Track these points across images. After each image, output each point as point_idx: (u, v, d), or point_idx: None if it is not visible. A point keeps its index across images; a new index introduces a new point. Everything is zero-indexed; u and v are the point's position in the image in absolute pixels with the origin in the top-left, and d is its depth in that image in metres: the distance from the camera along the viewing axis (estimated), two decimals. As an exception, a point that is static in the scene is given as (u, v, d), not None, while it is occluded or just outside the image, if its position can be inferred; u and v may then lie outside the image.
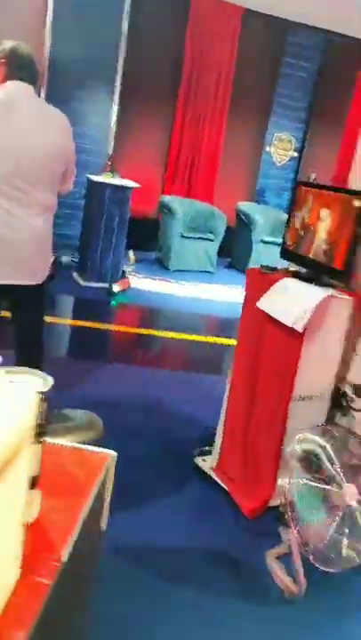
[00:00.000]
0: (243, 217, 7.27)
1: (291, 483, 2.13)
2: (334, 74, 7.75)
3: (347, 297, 2.40)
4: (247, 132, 8.10)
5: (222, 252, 7.30)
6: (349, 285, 2.45)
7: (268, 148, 8.26)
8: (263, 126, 8.15)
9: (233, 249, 7.45)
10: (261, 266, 2.61)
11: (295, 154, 8.34)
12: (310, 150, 8.29)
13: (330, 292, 2.35)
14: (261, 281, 2.53)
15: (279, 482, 2.15)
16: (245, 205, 7.47)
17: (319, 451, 2.20)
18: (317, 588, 2.13)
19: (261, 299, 2.45)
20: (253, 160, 8.25)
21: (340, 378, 2.69)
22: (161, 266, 7.08)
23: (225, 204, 7.51)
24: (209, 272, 7.15)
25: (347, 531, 2.10)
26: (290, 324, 2.28)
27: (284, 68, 7.91)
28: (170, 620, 1.96)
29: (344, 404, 2.67)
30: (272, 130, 8.17)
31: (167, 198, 7.16)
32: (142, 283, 6.28)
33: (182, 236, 6.90)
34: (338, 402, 2.68)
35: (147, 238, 7.19)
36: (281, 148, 8.25)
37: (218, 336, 5.11)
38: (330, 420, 2.71)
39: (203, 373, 4.19)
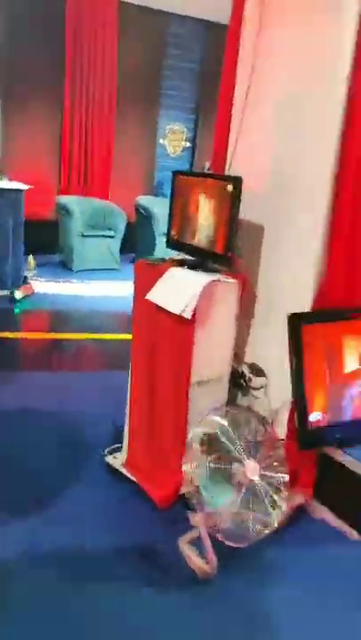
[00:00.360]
0: (142, 211, 7.28)
1: (194, 467, 2.17)
2: (217, 63, 7.89)
3: (232, 280, 2.46)
4: (139, 126, 8.11)
5: (126, 247, 7.29)
6: (233, 269, 2.52)
7: (161, 141, 8.32)
8: (154, 119, 8.19)
9: (136, 244, 7.46)
10: (148, 258, 2.63)
11: (188, 144, 8.45)
12: (203, 139, 8.42)
13: (214, 277, 2.40)
14: (149, 273, 2.55)
15: (183, 468, 2.18)
16: (144, 199, 7.48)
17: (219, 432, 2.26)
18: (230, 564, 2.19)
19: (150, 290, 2.47)
20: (148, 153, 8.28)
21: (238, 359, 2.77)
22: (64, 267, 6.97)
23: (125, 199, 7.49)
24: (114, 269, 7.12)
25: (252, 505, 2.17)
26: (178, 313, 2.31)
27: (167, 60, 7.98)
28: (87, 617, 1.95)
29: (243, 384, 2.75)
30: (163, 122, 8.24)
31: (63, 199, 7.05)
32: (46, 287, 6.15)
33: (82, 236, 6.82)
34: (237, 382, 2.75)
35: (47, 241, 7.05)
36: (174, 139, 8.33)
37: (128, 332, 5.09)
38: (232, 401, 2.78)
39: (115, 371, 4.16)
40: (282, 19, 2.49)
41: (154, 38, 7.75)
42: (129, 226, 7.27)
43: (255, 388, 2.72)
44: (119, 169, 7.88)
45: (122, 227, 7.16)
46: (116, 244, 7.15)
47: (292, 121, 2.47)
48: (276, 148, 2.56)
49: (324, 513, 2.53)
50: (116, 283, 6.61)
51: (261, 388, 2.70)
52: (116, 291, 6.34)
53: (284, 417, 2.57)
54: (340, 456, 2.43)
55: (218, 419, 2.30)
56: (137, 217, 7.45)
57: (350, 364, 2.50)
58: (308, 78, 2.38)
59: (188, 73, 8.13)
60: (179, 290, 2.35)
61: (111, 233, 7.09)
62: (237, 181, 2.31)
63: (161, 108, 8.17)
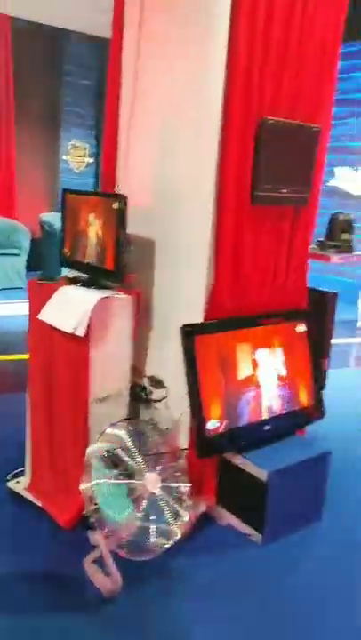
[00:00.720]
0: (47, 227, 7.18)
1: (93, 485, 2.16)
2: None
3: (124, 296, 2.48)
4: (41, 144, 8.03)
5: (32, 265, 7.14)
6: (126, 284, 2.54)
7: (64, 157, 8.28)
8: (56, 136, 8.14)
9: (43, 261, 7.33)
10: (40, 276, 2.61)
11: (91, 160, 8.46)
12: (106, 155, 8.45)
13: (106, 293, 2.42)
14: (42, 292, 2.53)
15: (81, 487, 2.17)
16: (48, 216, 7.39)
17: (118, 446, 2.26)
18: (136, 578, 2.19)
19: (42, 310, 2.45)
20: (51, 170, 8.21)
21: (138, 372, 2.79)
22: (-33, 288, 6.75)
23: (31, 216, 7.36)
24: (20, 288, 6.96)
25: (153, 517, 2.19)
26: (70, 331, 2.30)
27: (66, 77, 7.97)
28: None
29: (144, 396, 2.77)
30: (65, 138, 8.21)
31: None
32: None
33: (-15, 255, 6.65)
34: (138, 396, 2.77)
35: None
36: (76, 155, 8.31)
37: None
38: (135, 415, 2.80)
39: (19, 392, 4.06)
40: (158, 41, 2.56)
41: (51, 55, 7.71)
42: (35, 243, 7.15)
43: (156, 400, 2.75)
44: (23, 186, 7.76)
45: (26, 244, 7.03)
46: (21, 263, 7.01)
47: (173, 138, 2.54)
48: (160, 165, 2.62)
49: (228, 518, 2.59)
50: (22, 302, 6.45)
51: (162, 399, 2.73)
52: (23, 310, 6.19)
53: (185, 426, 2.62)
54: (238, 460, 2.51)
55: (117, 433, 2.31)
56: (42, 233, 7.34)
57: (244, 371, 2.59)
58: (186, 97, 2.46)
59: (87, 90, 8.15)
60: (70, 308, 2.35)
61: (16, 251, 6.94)
62: (122, 199, 2.35)
63: (62, 125, 8.14)
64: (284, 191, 2.49)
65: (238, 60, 2.25)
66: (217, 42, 2.28)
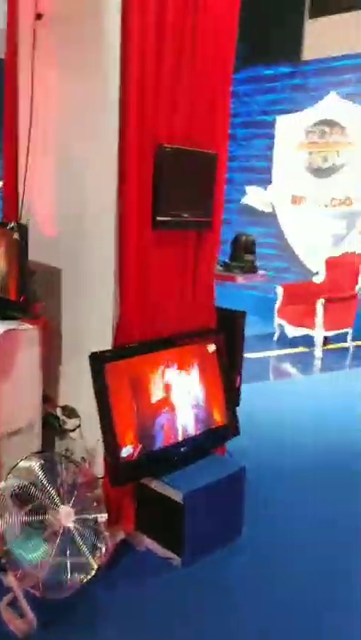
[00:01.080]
0: None
1: (3, 524, 2.09)
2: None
3: (30, 326, 2.44)
4: None
5: None
6: (32, 314, 2.50)
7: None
8: None
9: None
10: None
11: (2, 183, 8.29)
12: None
13: (10, 325, 2.37)
14: None
15: (-8, 527, 2.09)
16: None
17: (30, 481, 2.20)
18: (55, 616, 2.13)
19: None
20: None
21: (51, 402, 2.74)
22: None
23: None
24: None
25: (69, 552, 2.14)
26: (-27, 366, 2.23)
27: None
28: None
29: (57, 427, 2.73)
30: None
31: None
32: None
33: None
34: (52, 426, 2.72)
35: None
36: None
37: None
38: (51, 446, 2.74)
39: None
40: (54, 66, 2.57)
41: None
42: None
43: (70, 430, 2.71)
44: None
45: None
46: None
47: (72, 165, 2.55)
48: (62, 193, 2.62)
49: (147, 543, 2.57)
50: None
51: (76, 428, 2.70)
52: None
53: (101, 455, 2.59)
54: (154, 484, 2.50)
55: (29, 467, 2.25)
56: None
57: (157, 394, 2.60)
58: (83, 125, 2.48)
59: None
60: (-27, 342, 2.28)
61: None
62: (22, 229, 2.32)
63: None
64: (186, 216, 2.55)
65: (130, 88, 2.28)
66: (109, 71, 2.31)
